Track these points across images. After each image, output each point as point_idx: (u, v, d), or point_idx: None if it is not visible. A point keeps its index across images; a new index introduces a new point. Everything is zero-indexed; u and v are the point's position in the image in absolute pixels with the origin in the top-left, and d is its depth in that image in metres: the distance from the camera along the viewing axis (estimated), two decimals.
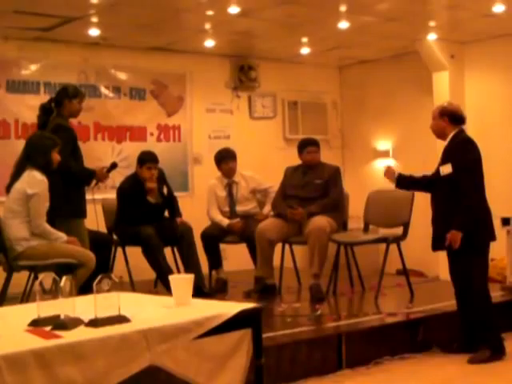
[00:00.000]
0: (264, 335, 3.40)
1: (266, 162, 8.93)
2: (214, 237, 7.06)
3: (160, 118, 8.70)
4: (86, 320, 2.88)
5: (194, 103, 8.96)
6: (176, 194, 7.22)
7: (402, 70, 9.30)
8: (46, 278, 3.00)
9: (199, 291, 5.30)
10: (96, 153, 7.98)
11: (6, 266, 5.51)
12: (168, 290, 3.54)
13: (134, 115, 8.51)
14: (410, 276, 6.69)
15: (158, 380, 3.13)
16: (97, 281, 2.91)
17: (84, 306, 2.94)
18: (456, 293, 5.32)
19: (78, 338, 2.70)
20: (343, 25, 7.52)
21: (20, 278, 5.77)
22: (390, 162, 9.58)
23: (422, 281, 7.84)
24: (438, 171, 5.29)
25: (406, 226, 6.41)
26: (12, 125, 7.70)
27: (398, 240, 6.44)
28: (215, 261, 7.10)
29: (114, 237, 6.87)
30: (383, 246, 6.46)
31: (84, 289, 4.49)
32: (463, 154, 5.16)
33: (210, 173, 7.64)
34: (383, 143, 9.68)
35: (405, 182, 5.70)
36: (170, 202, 7.00)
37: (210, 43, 8.26)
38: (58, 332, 2.76)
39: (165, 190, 6.93)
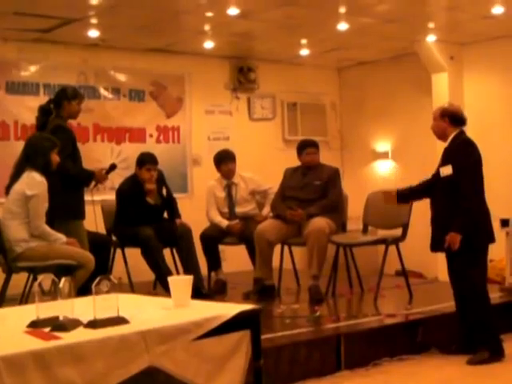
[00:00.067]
0: (263, 336, 3.41)
1: (265, 163, 8.93)
2: (213, 238, 7.06)
3: (159, 119, 8.71)
4: (85, 321, 2.88)
5: (194, 104, 8.96)
6: (175, 195, 7.23)
7: (401, 72, 9.31)
8: (45, 280, 3.00)
9: (198, 292, 5.30)
10: (95, 154, 7.99)
11: (5, 267, 5.52)
12: (167, 292, 3.55)
13: (134, 116, 8.51)
14: (409, 277, 6.70)
15: (157, 381, 3.12)
16: (96, 282, 2.91)
17: (83, 308, 2.94)
18: (455, 294, 5.32)
19: (77, 339, 2.70)
20: (342, 26, 7.52)
21: (19, 280, 5.78)
22: (389, 163, 9.61)
23: (421, 282, 7.84)
24: (437, 172, 5.29)
25: (405, 227, 6.41)
26: (11, 126, 7.70)
27: (397, 241, 6.44)
28: (214, 262, 7.10)
29: (113, 238, 6.87)
30: (382, 247, 6.46)
31: (83, 290, 4.49)
32: (464, 155, 5.16)
33: (209, 174, 7.65)
34: (382, 144, 9.68)
35: (405, 196, 5.70)
36: (169, 204, 7.00)
37: (209, 44, 8.26)
38: (56, 333, 2.76)
39: (164, 192, 6.93)
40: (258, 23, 7.47)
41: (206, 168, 8.39)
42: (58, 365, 2.58)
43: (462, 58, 8.73)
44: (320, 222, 6.43)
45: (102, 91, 8.30)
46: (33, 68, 7.88)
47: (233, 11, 6.88)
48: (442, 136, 5.35)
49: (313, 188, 6.74)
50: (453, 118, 5.27)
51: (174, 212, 7.04)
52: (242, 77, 9.22)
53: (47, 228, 5.43)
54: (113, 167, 6.36)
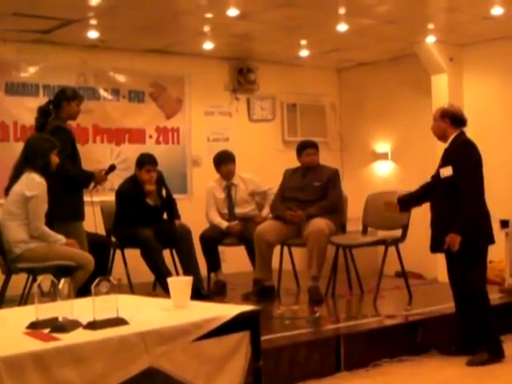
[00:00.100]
0: (262, 337, 3.41)
1: (264, 164, 8.93)
2: (213, 239, 7.06)
3: (159, 120, 8.70)
4: (85, 322, 2.88)
5: (193, 105, 8.96)
6: (175, 196, 7.23)
7: (401, 73, 9.31)
8: (45, 281, 2.99)
9: (198, 293, 5.30)
10: (95, 155, 7.98)
11: (4, 268, 5.51)
12: (166, 293, 3.55)
13: (133, 117, 8.51)
14: (408, 278, 6.70)
15: (157, 382, 3.12)
16: (95, 283, 2.91)
17: (82, 309, 2.94)
18: (454, 295, 5.32)
19: (76, 340, 2.70)
20: (342, 27, 7.52)
21: (18, 281, 5.77)
22: (389, 164, 9.61)
23: (421, 283, 7.84)
24: (437, 174, 5.29)
25: (405, 228, 6.42)
26: (11, 127, 7.70)
27: (396, 242, 6.44)
28: (214, 263, 7.10)
29: (113, 239, 6.87)
30: (382, 248, 6.46)
31: (82, 291, 4.49)
32: (464, 156, 5.16)
33: (208, 175, 7.64)
34: (382, 145, 9.68)
35: (407, 203, 5.70)
36: (169, 205, 7.00)
37: (208, 46, 8.26)
38: (56, 334, 2.76)
39: (164, 193, 6.93)
40: (258, 24, 7.46)
41: (205, 169, 8.39)
42: (57, 366, 2.58)
43: (462, 59, 8.73)
44: (320, 223, 6.43)
45: (102, 92, 8.30)
46: (32, 69, 7.88)
47: (232, 12, 6.88)
48: (442, 137, 5.35)
49: (312, 189, 6.75)
50: (453, 118, 5.26)
51: (174, 213, 7.03)
52: (242, 78, 9.22)
53: (47, 229, 5.43)
54: (112, 168, 6.37)
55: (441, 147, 5.47)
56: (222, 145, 8.68)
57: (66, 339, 2.70)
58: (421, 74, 8.75)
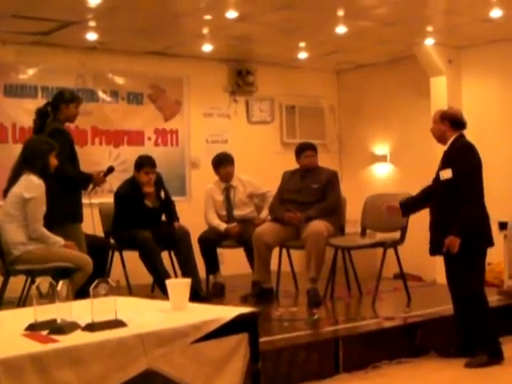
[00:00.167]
0: (261, 339, 3.41)
1: (263, 166, 8.92)
2: (212, 241, 7.06)
3: (157, 122, 8.71)
4: (83, 324, 2.88)
5: (192, 107, 8.96)
6: (173, 198, 7.23)
7: (400, 75, 9.31)
8: (43, 283, 2.99)
9: (196, 295, 5.30)
10: (93, 157, 7.98)
11: (2, 270, 5.51)
12: (165, 295, 3.54)
13: (132, 119, 8.51)
14: (407, 280, 6.69)
15: None
16: (94, 285, 2.91)
17: (81, 311, 2.94)
18: (453, 297, 5.32)
19: (74, 342, 2.70)
20: (341, 29, 7.53)
21: (17, 283, 5.77)
22: (387, 166, 9.61)
23: (420, 285, 7.84)
24: (438, 176, 5.28)
25: (404, 230, 6.41)
26: (9, 129, 7.70)
27: (395, 244, 6.43)
28: (212, 265, 7.10)
29: (112, 241, 6.87)
30: (380, 250, 6.46)
31: (81, 293, 4.49)
32: (464, 159, 5.15)
33: (207, 177, 7.64)
34: (381, 148, 9.68)
35: (409, 208, 5.69)
36: (168, 207, 7.00)
37: (207, 48, 8.26)
38: (54, 336, 2.76)
39: (162, 195, 6.93)
40: (257, 26, 7.47)
41: (204, 171, 8.38)
42: (55, 368, 2.58)
43: (461, 62, 8.73)
44: (318, 225, 6.43)
45: (101, 94, 8.30)
46: (31, 71, 7.88)
47: (231, 14, 6.88)
48: (441, 139, 5.34)
49: (311, 191, 6.74)
50: (453, 121, 5.26)
51: (173, 215, 7.03)
52: (241, 80, 9.22)
53: (45, 231, 5.43)
54: (110, 170, 6.36)
55: (439, 149, 5.46)
56: (220, 147, 8.69)
57: (65, 341, 2.70)
58: (419, 76, 8.75)
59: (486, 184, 5.25)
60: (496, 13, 7.09)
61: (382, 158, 9.66)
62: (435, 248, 5.24)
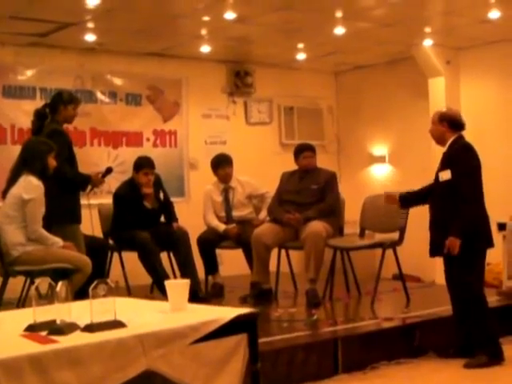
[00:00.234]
0: (260, 340, 3.40)
1: (262, 167, 8.92)
2: (210, 242, 7.06)
3: (156, 123, 8.71)
4: (82, 325, 2.87)
5: (190, 109, 8.96)
6: (172, 199, 7.23)
7: (398, 76, 9.32)
8: (42, 283, 2.99)
9: (195, 296, 5.31)
10: (92, 158, 7.99)
11: (2, 271, 5.50)
12: (164, 295, 3.54)
13: (130, 120, 8.51)
14: (406, 281, 6.69)
15: None
16: (93, 286, 2.91)
17: (80, 311, 2.94)
18: (452, 298, 5.32)
19: (74, 342, 2.70)
20: (339, 30, 7.53)
21: (16, 283, 5.77)
22: (386, 167, 9.62)
23: (419, 286, 7.84)
24: (437, 177, 5.28)
25: (402, 230, 6.41)
26: (8, 130, 7.70)
27: (394, 245, 6.43)
28: (211, 266, 7.10)
29: (110, 242, 6.87)
30: (379, 251, 6.46)
31: (80, 294, 4.49)
32: (464, 160, 5.15)
33: (206, 178, 7.64)
34: (379, 148, 9.69)
35: (408, 201, 5.69)
36: (167, 207, 7.00)
37: (206, 49, 8.27)
38: (54, 337, 2.75)
39: (161, 196, 6.93)
40: (255, 27, 7.47)
41: (202, 172, 8.38)
42: (55, 368, 2.58)
43: (459, 63, 8.74)
44: (317, 226, 6.43)
45: (99, 95, 8.30)
46: (29, 72, 7.88)
47: (229, 15, 6.89)
48: (440, 140, 5.34)
49: (310, 192, 6.74)
50: (451, 122, 5.26)
51: (171, 216, 7.04)
52: (239, 81, 9.23)
53: (44, 232, 5.43)
54: (109, 171, 6.36)
55: (438, 150, 5.46)
56: (219, 148, 8.69)
57: (64, 342, 2.70)
58: (418, 77, 8.76)
59: (484, 185, 5.24)
60: (494, 14, 7.10)
61: (381, 159, 9.67)
62: (435, 249, 5.24)
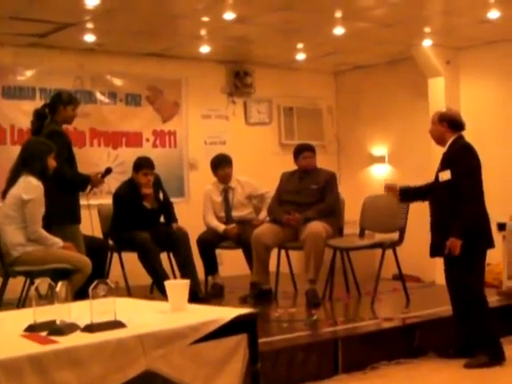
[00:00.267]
0: (260, 340, 3.40)
1: (261, 167, 8.92)
2: (210, 242, 7.06)
3: (156, 123, 8.71)
4: (82, 325, 2.87)
5: (190, 109, 8.96)
6: (172, 199, 7.23)
7: (398, 76, 9.32)
8: (42, 284, 2.99)
9: (195, 296, 5.30)
10: (92, 159, 7.98)
11: (2, 271, 5.50)
12: (164, 296, 3.54)
13: (130, 121, 8.51)
14: (406, 281, 6.69)
15: None
16: (93, 286, 2.91)
17: (80, 312, 2.94)
18: (452, 298, 5.32)
19: (74, 343, 2.69)
20: (339, 31, 7.53)
21: (16, 284, 5.77)
22: (386, 167, 9.62)
23: (418, 286, 7.84)
24: (437, 177, 5.28)
25: (402, 231, 6.41)
26: (8, 130, 7.70)
27: (393, 245, 6.43)
28: (211, 266, 7.10)
29: (110, 242, 6.87)
30: (379, 251, 6.45)
31: (80, 294, 4.48)
32: (464, 160, 5.15)
33: (205, 178, 7.64)
34: (379, 149, 9.69)
35: (408, 195, 5.68)
36: (166, 208, 7.00)
37: (205, 49, 8.27)
38: (53, 337, 2.75)
39: (161, 196, 6.93)
40: (255, 28, 7.47)
41: (202, 172, 8.38)
42: (55, 369, 2.58)
43: (459, 63, 8.74)
44: (317, 226, 6.43)
45: (99, 96, 8.30)
46: (29, 73, 7.88)
47: (229, 16, 6.89)
48: (440, 140, 5.33)
49: (310, 192, 6.74)
50: (451, 122, 5.26)
51: (171, 216, 7.03)
52: (239, 81, 9.23)
53: (44, 232, 5.43)
54: (108, 171, 6.36)
55: (438, 150, 5.46)
56: (218, 148, 8.69)
57: (64, 342, 2.70)
58: (417, 77, 8.76)
59: (484, 185, 5.24)
60: (494, 14, 7.10)
61: (381, 159, 9.67)
62: (436, 250, 5.23)
